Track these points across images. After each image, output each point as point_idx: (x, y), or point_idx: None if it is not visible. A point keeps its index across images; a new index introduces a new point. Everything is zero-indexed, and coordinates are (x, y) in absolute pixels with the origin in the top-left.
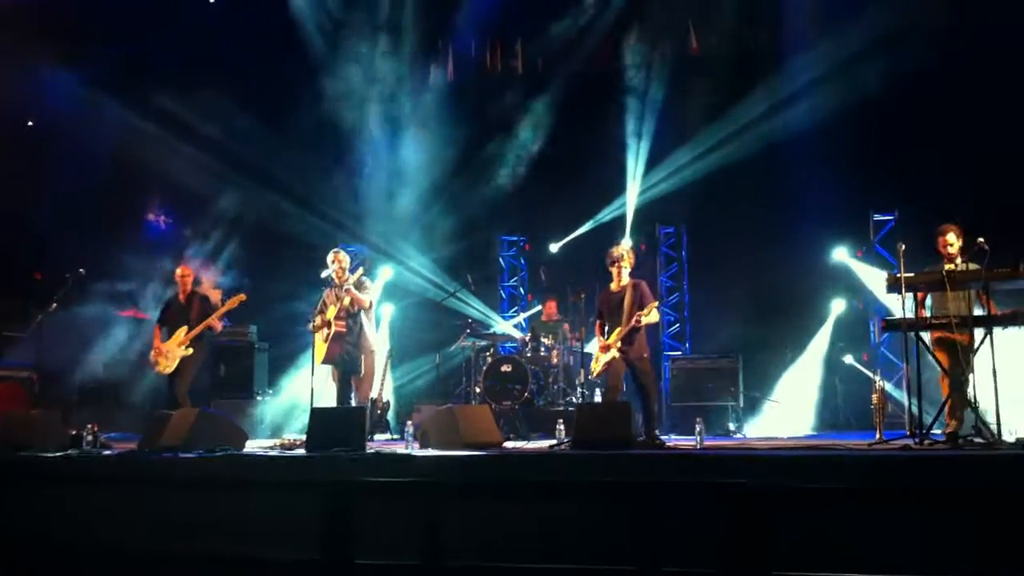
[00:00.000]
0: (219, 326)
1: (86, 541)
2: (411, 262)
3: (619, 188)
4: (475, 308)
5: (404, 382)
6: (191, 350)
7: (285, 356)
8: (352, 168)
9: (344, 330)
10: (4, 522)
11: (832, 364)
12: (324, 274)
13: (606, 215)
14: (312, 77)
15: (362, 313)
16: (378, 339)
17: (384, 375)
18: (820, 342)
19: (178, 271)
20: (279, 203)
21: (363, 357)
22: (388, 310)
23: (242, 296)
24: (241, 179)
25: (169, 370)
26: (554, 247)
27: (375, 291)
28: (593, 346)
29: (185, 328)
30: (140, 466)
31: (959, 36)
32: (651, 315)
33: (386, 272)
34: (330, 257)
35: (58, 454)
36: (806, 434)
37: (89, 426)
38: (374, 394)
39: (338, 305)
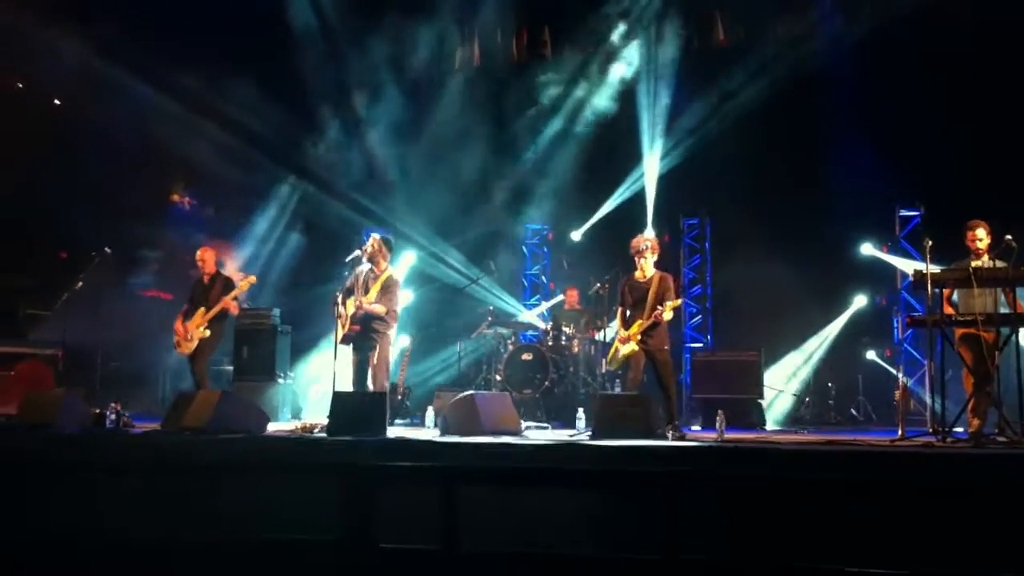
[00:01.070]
0: (234, 308)
1: (104, 523)
2: (434, 248)
3: (642, 177)
4: (497, 296)
5: (425, 369)
6: (208, 331)
7: (310, 339)
8: (375, 153)
9: (359, 328)
10: (26, 502)
11: (839, 360)
12: (349, 257)
13: (626, 203)
14: (336, 61)
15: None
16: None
17: (403, 364)
18: (821, 339)
19: (198, 253)
20: (304, 186)
21: (378, 346)
22: (407, 296)
23: (252, 278)
24: (265, 162)
25: (189, 351)
26: (576, 235)
27: (400, 273)
28: (611, 333)
29: (203, 309)
30: (161, 446)
31: (987, 31)
32: (668, 313)
33: (409, 258)
34: (369, 241)
35: (81, 432)
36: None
37: (112, 405)
38: (394, 379)
39: (357, 303)
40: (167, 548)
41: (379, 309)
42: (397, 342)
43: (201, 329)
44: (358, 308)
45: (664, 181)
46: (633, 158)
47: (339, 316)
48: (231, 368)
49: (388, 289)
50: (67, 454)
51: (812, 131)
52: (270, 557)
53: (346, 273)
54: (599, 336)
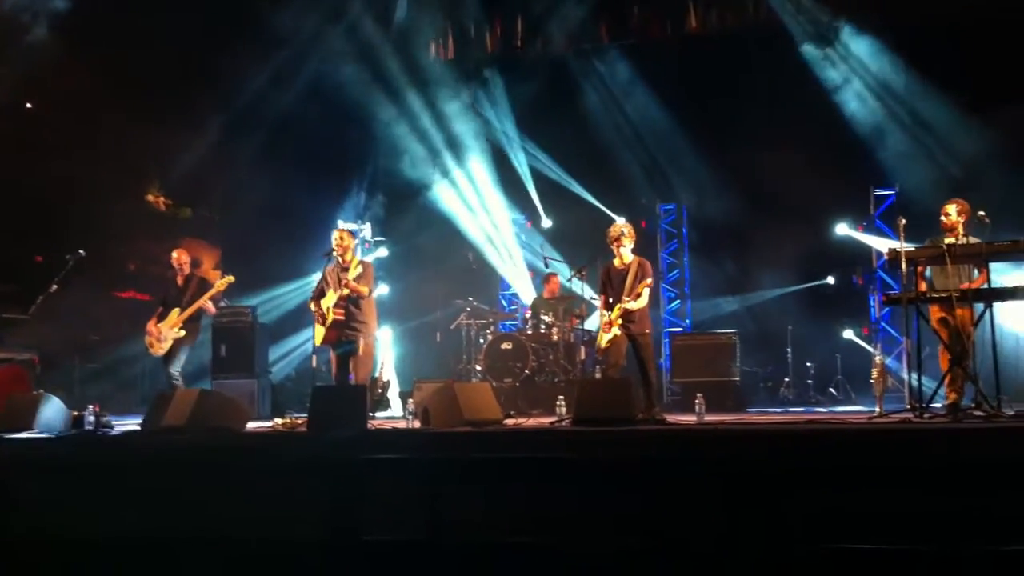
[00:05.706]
0: (211, 308)
1: (87, 525)
2: (413, 240)
3: (617, 165)
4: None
5: (404, 360)
6: (183, 332)
7: (288, 334)
8: (353, 144)
9: (342, 317)
10: (5, 506)
11: (817, 339)
12: (325, 254)
13: (600, 190)
14: (311, 49)
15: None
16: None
17: (383, 359)
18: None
19: (174, 254)
20: (283, 179)
21: (360, 339)
22: (382, 290)
23: (230, 278)
24: (245, 157)
25: (162, 352)
26: (546, 222)
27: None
28: (595, 322)
29: (178, 310)
30: (141, 446)
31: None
32: (640, 300)
33: (380, 253)
34: (335, 236)
35: (60, 435)
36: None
37: (91, 407)
38: (374, 373)
39: (337, 291)
40: (149, 548)
41: (363, 290)
42: (380, 335)
43: (176, 330)
44: (343, 285)
45: (641, 167)
46: (607, 146)
47: (316, 315)
48: (208, 366)
49: (363, 274)
50: (46, 457)
51: (784, 112)
52: (253, 553)
53: (321, 271)
54: (579, 324)
